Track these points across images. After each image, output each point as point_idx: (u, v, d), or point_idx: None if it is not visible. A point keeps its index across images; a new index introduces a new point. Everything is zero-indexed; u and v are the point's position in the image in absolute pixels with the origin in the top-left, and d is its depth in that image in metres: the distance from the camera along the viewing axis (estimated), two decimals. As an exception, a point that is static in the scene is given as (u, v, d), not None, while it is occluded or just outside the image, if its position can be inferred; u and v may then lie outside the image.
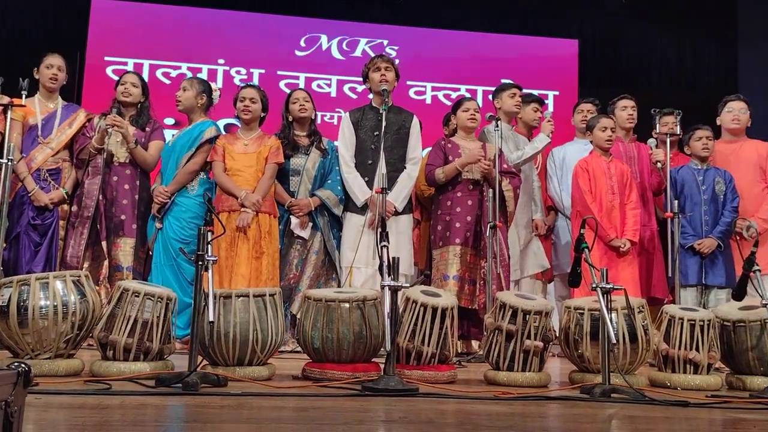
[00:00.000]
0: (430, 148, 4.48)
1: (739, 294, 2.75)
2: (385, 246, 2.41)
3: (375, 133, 4.22)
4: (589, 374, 2.72)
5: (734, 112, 4.40)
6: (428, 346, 2.66)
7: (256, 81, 7.08)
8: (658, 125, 4.38)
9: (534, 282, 4.65)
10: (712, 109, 4.63)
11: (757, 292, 2.61)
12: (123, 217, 4.06)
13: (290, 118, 4.28)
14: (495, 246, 3.94)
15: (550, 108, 7.64)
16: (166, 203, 4.06)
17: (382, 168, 3.77)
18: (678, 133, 4.31)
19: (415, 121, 4.38)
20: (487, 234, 3.94)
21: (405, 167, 4.26)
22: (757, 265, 2.67)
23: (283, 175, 4.17)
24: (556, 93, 7.79)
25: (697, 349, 2.77)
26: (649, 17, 7.94)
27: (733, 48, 7.89)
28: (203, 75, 6.89)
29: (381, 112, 3.99)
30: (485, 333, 2.82)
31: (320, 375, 2.55)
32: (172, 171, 4.10)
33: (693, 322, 2.78)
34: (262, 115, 4.20)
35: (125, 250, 4.01)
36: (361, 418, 1.78)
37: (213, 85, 4.32)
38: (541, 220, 4.67)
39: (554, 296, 4.90)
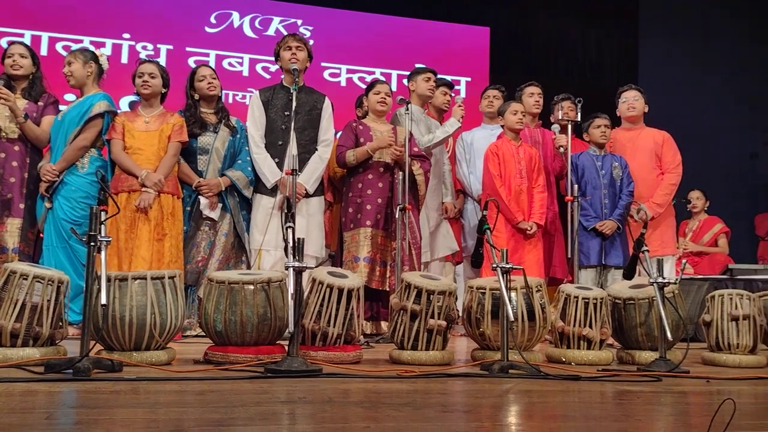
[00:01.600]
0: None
1: (629, 273, 2.90)
2: (290, 227, 2.38)
3: (285, 113, 4.16)
4: (490, 352, 2.80)
5: (629, 101, 4.62)
6: (334, 327, 2.66)
7: (163, 57, 6.82)
8: (560, 112, 4.54)
9: (443, 264, 4.74)
10: (614, 97, 4.84)
11: (646, 271, 2.75)
12: (10, 195, 3.82)
13: (196, 96, 4.15)
14: (405, 228, 3.98)
15: (462, 93, 7.79)
16: (55, 182, 3.82)
17: (292, 149, 3.72)
18: (578, 119, 4.48)
19: (327, 102, 4.35)
20: (397, 216, 3.98)
21: (316, 149, 4.22)
22: (646, 246, 2.82)
23: (190, 154, 4.03)
24: (468, 79, 7.93)
25: (591, 326, 2.91)
26: (557, 7, 8.20)
27: (634, 39, 8.27)
28: (107, 50, 6.57)
29: (292, 91, 3.93)
30: (391, 313, 2.84)
31: (222, 358, 2.50)
32: (61, 147, 3.86)
33: (587, 301, 2.92)
34: (163, 91, 4.03)
35: (11, 230, 3.78)
36: (259, 400, 1.76)
37: (98, 52, 4.08)
38: (451, 203, 4.75)
39: (463, 278, 5.01)
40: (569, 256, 4.35)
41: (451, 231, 4.71)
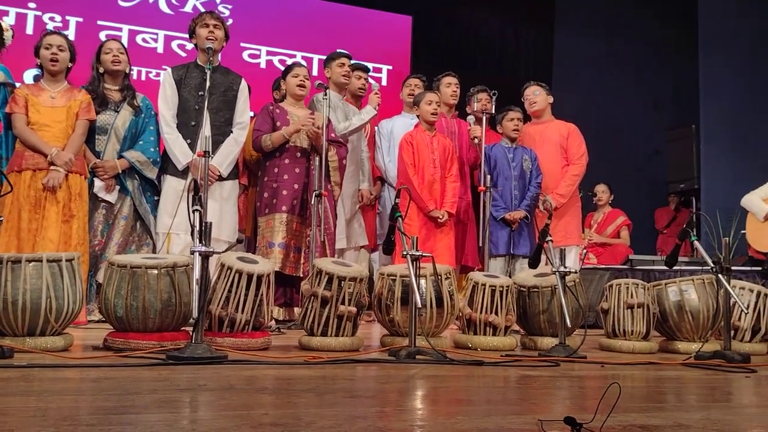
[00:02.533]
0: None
1: (533, 262, 3.00)
2: (196, 210, 2.32)
3: (199, 93, 4.05)
4: (399, 338, 2.84)
5: (529, 98, 4.78)
6: (242, 313, 2.62)
7: (72, 30, 6.49)
8: (475, 104, 4.63)
9: (358, 251, 4.75)
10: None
11: (549, 260, 2.86)
12: None
13: (101, 70, 3.96)
14: (320, 214, 3.96)
15: (384, 81, 7.81)
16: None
17: (206, 130, 3.62)
18: (492, 111, 4.57)
19: (244, 84, 4.26)
20: (313, 202, 3.95)
21: (231, 131, 4.13)
22: (550, 236, 2.92)
23: (87, 132, 3.85)
24: (390, 67, 7.96)
25: (497, 313, 2.99)
26: (479, 0, 8.34)
27: (550, 34, 8.53)
28: (10, 19, 6.17)
29: (206, 71, 3.82)
30: (302, 299, 2.83)
31: (123, 345, 2.42)
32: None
33: (494, 288, 3.00)
34: (70, 65, 3.84)
35: None
36: (156, 387, 1.71)
37: (4, 25, 3.85)
38: (367, 190, 4.76)
39: (379, 265, 5.04)
40: (480, 245, 4.46)
41: (363, 225, 4.72)
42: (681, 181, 7.51)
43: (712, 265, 2.79)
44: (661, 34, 8.58)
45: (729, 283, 2.77)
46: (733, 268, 4.85)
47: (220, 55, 4.23)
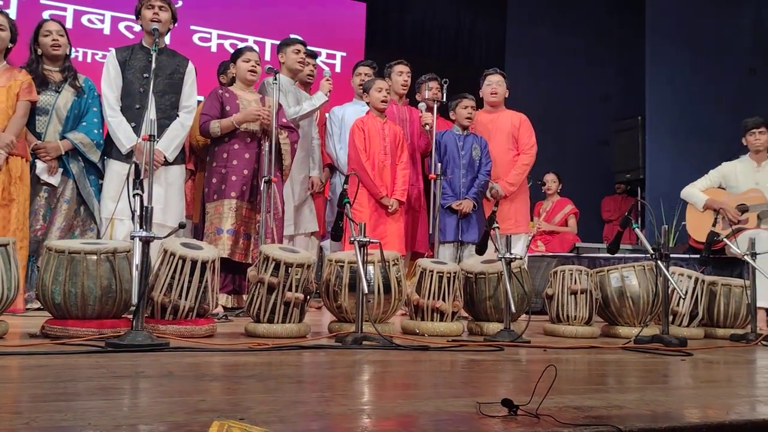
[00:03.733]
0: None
1: (480, 249, 3.03)
2: (137, 194, 2.26)
3: (144, 76, 3.94)
4: (347, 324, 2.84)
5: (492, 86, 4.80)
6: (186, 300, 2.57)
7: (14, 9, 6.24)
8: (426, 91, 4.64)
9: (309, 238, 4.73)
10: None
11: (495, 247, 2.89)
12: None
13: (39, 52, 3.82)
14: (270, 200, 3.91)
15: (338, 68, 7.77)
16: None
17: (151, 113, 3.54)
18: (443, 99, 4.59)
19: (191, 67, 4.16)
20: (262, 188, 3.90)
21: (178, 115, 4.04)
22: (497, 223, 2.95)
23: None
24: (344, 54, 7.91)
25: (444, 299, 3.02)
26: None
27: (503, 24, 8.60)
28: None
29: (152, 53, 3.72)
30: (248, 286, 2.80)
31: (61, 332, 2.35)
32: None
33: (441, 274, 3.02)
34: (10, 45, 3.69)
35: None
36: (92, 375, 1.66)
37: None
38: (317, 177, 4.73)
39: (329, 251, 5.02)
40: (431, 232, 4.48)
41: (314, 211, 4.69)
42: (627, 171, 7.70)
43: (651, 252, 2.87)
44: (610, 26, 8.75)
45: (668, 270, 2.85)
46: (674, 255, 5.03)
47: (168, 37, 4.12)
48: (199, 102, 4.29)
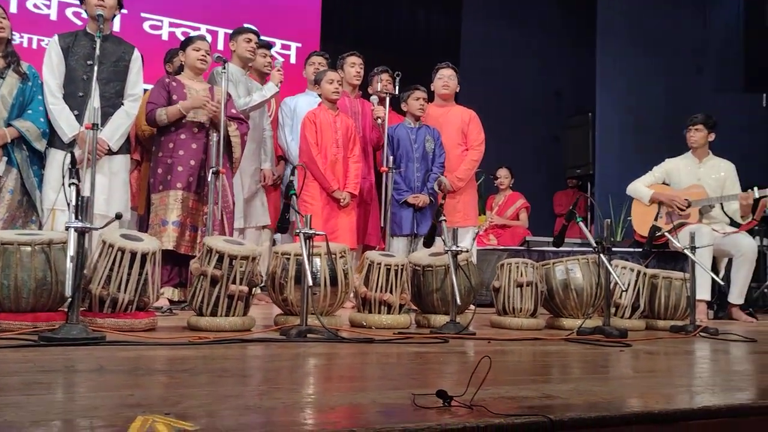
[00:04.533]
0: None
1: (428, 242, 3.04)
2: (73, 184, 2.19)
3: (88, 63, 3.82)
4: (293, 317, 2.81)
5: (444, 79, 4.82)
6: (125, 292, 2.51)
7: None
8: (378, 84, 4.62)
9: (260, 231, 4.67)
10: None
11: (443, 240, 2.90)
12: None
13: (-21, 37, 3.68)
14: (218, 192, 3.85)
15: (293, 59, 7.69)
16: None
17: (94, 101, 3.44)
18: (395, 92, 4.58)
19: (137, 54, 4.05)
20: (210, 179, 3.83)
21: (122, 103, 3.94)
22: (444, 216, 2.96)
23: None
24: (299, 45, 7.83)
25: (392, 292, 3.02)
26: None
27: (458, 20, 8.64)
28: None
29: (96, 39, 3.61)
30: (190, 278, 2.74)
31: (-8, 326, 2.27)
32: None
33: (389, 267, 3.02)
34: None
35: None
36: (18, 369, 1.61)
37: None
38: (269, 169, 4.68)
39: (281, 244, 4.98)
40: (382, 225, 4.48)
41: (266, 204, 4.64)
42: (578, 166, 7.85)
43: (594, 245, 2.92)
44: (564, 23, 8.88)
45: (610, 263, 2.90)
46: (620, 249, 5.14)
47: (118, 24, 4.01)
48: (146, 91, 4.19)
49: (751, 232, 5.19)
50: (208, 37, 7.32)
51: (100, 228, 2.34)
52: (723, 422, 1.49)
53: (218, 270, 2.62)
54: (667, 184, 4.95)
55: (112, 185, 3.86)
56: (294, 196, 2.64)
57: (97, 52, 3.57)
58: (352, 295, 3.23)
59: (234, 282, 2.63)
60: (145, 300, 2.59)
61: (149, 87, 4.30)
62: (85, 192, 3.25)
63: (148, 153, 4.34)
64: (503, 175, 6.72)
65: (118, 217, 2.25)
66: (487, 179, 6.72)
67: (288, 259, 2.82)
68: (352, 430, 1.14)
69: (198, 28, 7.23)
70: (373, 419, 1.24)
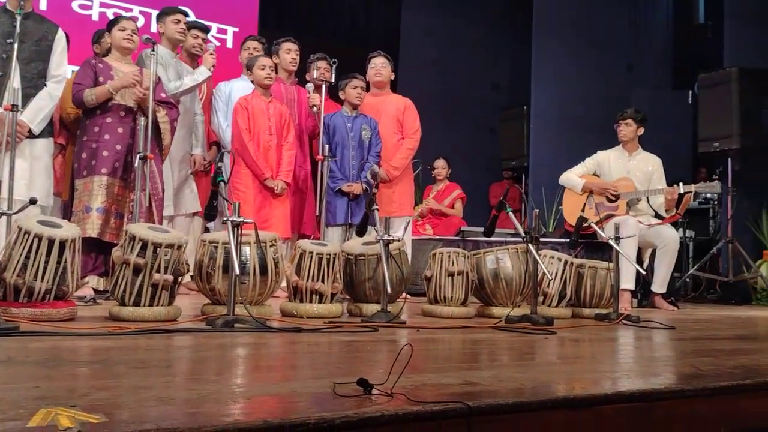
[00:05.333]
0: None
1: (361, 231, 3.03)
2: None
3: (8, 41, 3.62)
4: (220, 307, 2.75)
5: (377, 68, 4.81)
6: (42, 281, 2.40)
7: None
8: (315, 71, 4.57)
9: (192, 219, 4.56)
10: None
11: (374, 229, 2.89)
12: None
13: None
14: (146, 179, 3.73)
15: (230, 43, 7.53)
16: None
17: (14, 82, 3.27)
18: (332, 80, 4.54)
19: (61, 34, 3.87)
20: (137, 165, 3.71)
21: (45, 84, 3.76)
22: (376, 205, 2.96)
23: None
24: (236, 29, 7.67)
25: (324, 281, 2.99)
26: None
27: (398, 11, 8.64)
28: None
29: (16, 16, 3.43)
30: (113, 267, 2.65)
31: None
32: None
33: (321, 256, 2.99)
34: None
35: None
36: None
37: None
38: (200, 155, 4.57)
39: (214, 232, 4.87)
40: (318, 214, 4.44)
41: (195, 190, 4.52)
42: (513, 158, 7.99)
43: (523, 235, 2.97)
44: (502, 16, 9.00)
45: (537, 252, 2.96)
46: (551, 240, 5.26)
47: (45, 1, 3.82)
48: (74, 73, 4.02)
49: (675, 225, 5.40)
50: (141, 19, 7.14)
51: (13, 213, 2.23)
52: (638, 406, 1.54)
53: (141, 258, 2.54)
54: (598, 176, 5.09)
55: (33, 170, 3.68)
56: (222, 183, 2.58)
57: (18, 29, 3.40)
58: (284, 284, 3.19)
59: (158, 271, 2.56)
60: (64, 289, 2.48)
61: (77, 69, 4.13)
62: (4, 177, 3.09)
63: (73, 137, 4.16)
64: (440, 166, 6.77)
65: (33, 202, 2.15)
66: (424, 170, 6.76)
67: (216, 247, 2.76)
68: (266, 421, 1.11)
69: (130, 9, 6.99)
70: (289, 409, 1.22)
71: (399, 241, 3.07)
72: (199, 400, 1.24)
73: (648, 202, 4.92)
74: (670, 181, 4.95)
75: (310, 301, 2.99)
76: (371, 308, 3.06)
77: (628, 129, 4.99)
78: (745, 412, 1.72)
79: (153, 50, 3.83)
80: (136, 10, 7.06)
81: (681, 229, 6.31)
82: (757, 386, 1.75)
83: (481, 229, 5.74)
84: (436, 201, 6.55)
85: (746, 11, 6.74)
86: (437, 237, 5.58)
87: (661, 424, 1.56)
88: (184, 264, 2.67)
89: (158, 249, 2.55)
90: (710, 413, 1.65)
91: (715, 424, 1.66)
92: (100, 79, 3.88)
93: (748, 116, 6.02)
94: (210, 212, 2.66)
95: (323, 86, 4.47)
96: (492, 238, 4.83)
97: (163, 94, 4.03)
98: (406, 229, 3.09)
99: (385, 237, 2.83)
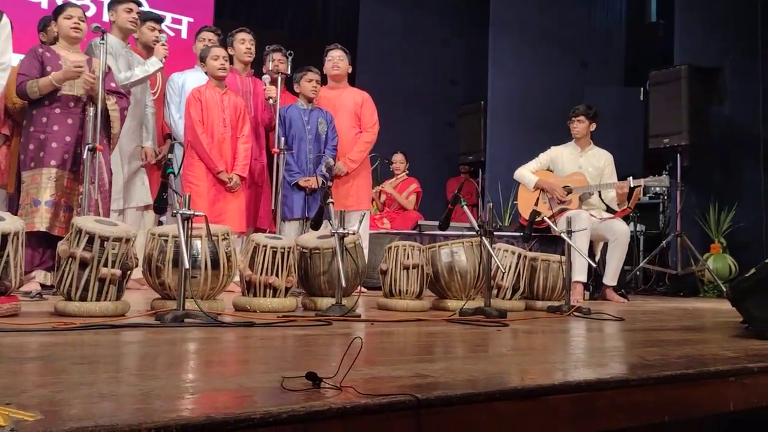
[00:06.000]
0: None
1: (315, 224, 3.01)
2: None
3: (-53, 27, 3.49)
4: (170, 301, 2.70)
5: (333, 60, 4.78)
6: (-18, 276, 2.32)
7: None
8: (270, 63, 4.52)
9: (143, 213, 4.46)
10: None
11: (329, 223, 2.88)
12: None
13: None
14: (94, 170, 3.63)
15: (184, 34, 7.39)
16: None
17: (-47, 70, 3.15)
18: (288, 72, 4.49)
19: (5, 20, 3.73)
20: (86, 156, 3.61)
21: (-12, 73, 3.63)
22: (331, 198, 2.94)
23: None
24: (191, 20, 7.54)
25: (278, 275, 2.96)
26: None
27: (356, 4, 8.60)
28: None
29: (-44, 1, 3.30)
30: (58, 261, 2.57)
31: None
32: None
33: (275, 250, 2.96)
34: None
35: None
36: None
37: None
38: (151, 148, 4.47)
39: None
40: (273, 207, 4.40)
41: (147, 183, 4.43)
42: (470, 153, 8.05)
43: (477, 228, 3.00)
44: (460, 13, 9.04)
45: (491, 246, 2.99)
46: (506, 233, 5.32)
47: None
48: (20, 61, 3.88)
49: (626, 219, 5.52)
50: (93, 7, 6.95)
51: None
52: (583, 396, 1.57)
53: (88, 252, 2.47)
54: (551, 171, 5.17)
55: (-26, 161, 3.56)
56: (172, 175, 2.53)
57: (-43, 14, 3.27)
58: (237, 278, 3.15)
59: (105, 265, 2.49)
60: (6, 284, 2.40)
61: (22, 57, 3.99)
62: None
63: (18, 127, 4.03)
64: (398, 160, 6.79)
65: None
66: (382, 164, 6.76)
67: (166, 241, 2.71)
68: (209, 417, 1.09)
69: (81, -3, 6.79)
70: (235, 404, 1.20)
71: (354, 234, 3.06)
72: (143, 397, 1.21)
73: (600, 196, 5.02)
74: (622, 176, 5.06)
75: (264, 296, 2.96)
76: (326, 302, 3.04)
77: (580, 125, 5.08)
78: (689, 401, 1.76)
79: (102, 39, 3.72)
80: (87, -2, 6.87)
81: (632, 223, 6.46)
82: (700, 375, 1.79)
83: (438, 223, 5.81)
84: (393, 196, 6.57)
85: (696, 10, 6.92)
86: (395, 231, 5.59)
87: (606, 413, 1.59)
88: (133, 258, 2.61)
89: (105, 242, 2.49)
90: (654, 402, 1.68)
91: (659, 412, 1.70)
92: (48, 68, 3.77)
93: (696, 113, 6.19)
94: (159, 205, 2.60)
95: (279, 78, 4.42)
96: (448, 232, 4.87)
97: (113, 84, 3.93)
98: (360, 222, 3.08)
99: (340, 230, 2.82)
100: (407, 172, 6.83)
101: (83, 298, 2.48)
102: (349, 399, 1.24)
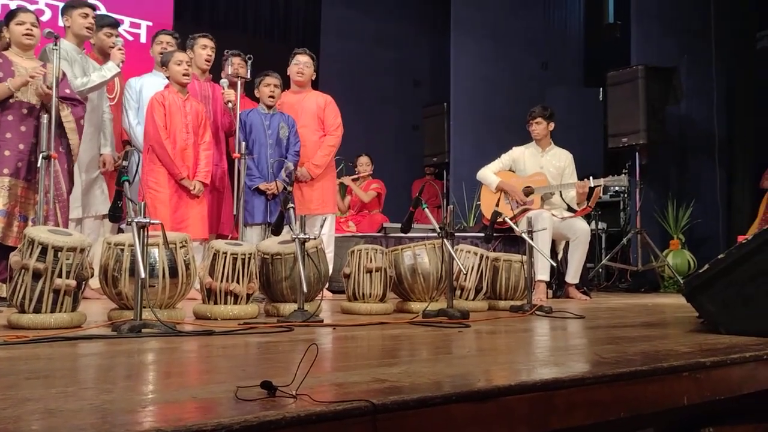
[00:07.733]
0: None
1: (276, 230, 2.99)
2: None
3: None
4: (128, 311, 2.65)
5: (300, 65, 4.76)
6: (-71, 290, 2.25)
7: None
8: (229, 67, 4.48)
9: (102, 222, 4.38)
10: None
11: (290, 227, 2.86)
12: None
13: None
14: (50, 179, 3.56)
15: (143, 38, 7.28)
16: None
17: None
18: (247, 76, 4.46)
19: (-45, 25, 3.65)
20: (40, 165, 3.53)
21: (-63, 80, 3.53)
22: (292, 202, 2.92)
23: None
24: (150, 23, 7.43)
25: (239, 281, 2.93)
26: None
27: (318, 6, 8.58)
28: None
29: None
30: (10, 273, 2.51)
31: None
32: None
33: (236, 256, 2.93)
34: None
35: None
36: None
37: None
38: (109, 155, 4.39)
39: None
40: (235, 213, 4.36)
41: (107, 191, 4.35)
42: (434, 154, 8.09)
43: (438, 230, 3.01)
44: (422, 14, 9.08)
45: (452, 247, 3.00)
46: (469, 234, 5.36)
47: None
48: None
49: (588, 217, 5.60)
50: (48, 12, 6.81)
51: None
52: (539, 395, 1.58)
53: (41, 263, 2.41)
54: (513, 171, 5.22)
55: None
56: (127, 183, 2.49)
57: None
58: (198, 286, 3.11)
59: (60, 276, 2.44)
60: (-46, 298, 2.33)
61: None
62: None
63: (-31, 135, 3.91)
64: (363, 163, 6.79)
65: None
66: (347, 167, 6.75)
67: (122, 250, 2.66)
68: (159, 430, 1.07)
69: (36, 1, 6.66)
70: (186, 416, 1.18)
71: (316, 239, 3.05)
72: (90, 411, 1.18)
73: (561, 196, 5.08)
74: (583, 176, 5.13)
75: (225, 303, 2.92)
76: (288, 308, 3.02)
77: (539, 127, 5.14)
78: (644, 397, 1.79)
79: (55, 45, 3.65)
80: (42, 2, 6.73)
81: (594, 222, 6.56)
82: (654, 371, 1.82)
83: (403, 226, 5.82)
84: (359, 198, 6.56)
85: (652, 11, 7.06)
86: (360, 234, 5.59)
87: (563, 412, 1.61)
88: (89, 268, 2.56)
89: (59, 253, 2.43)
90: (610, 399, 1.71)
91: (615, 409, 1.72)
92: (0, 75, 3.67)
93: (653, 112, 6.31)
94: (114, 213, 2.56)
95: (239, 83, 4.38)
96: (412, 234, 4.87)
97: (67, 90, 3.85)
98: (322, 226, 3.07)
99: (301, 236, 2.80)
100: (371, 174, 6.84)
101: (37, 310, 2.43)
102: (305, 407, 1.23)
